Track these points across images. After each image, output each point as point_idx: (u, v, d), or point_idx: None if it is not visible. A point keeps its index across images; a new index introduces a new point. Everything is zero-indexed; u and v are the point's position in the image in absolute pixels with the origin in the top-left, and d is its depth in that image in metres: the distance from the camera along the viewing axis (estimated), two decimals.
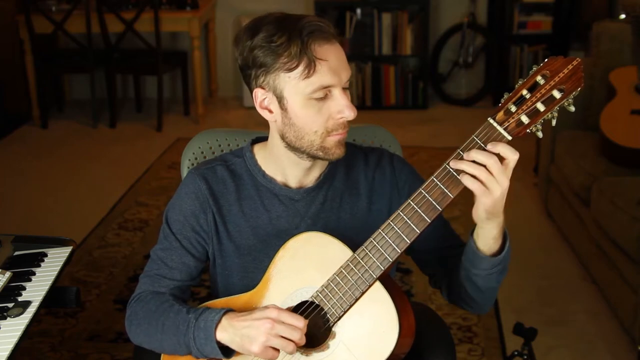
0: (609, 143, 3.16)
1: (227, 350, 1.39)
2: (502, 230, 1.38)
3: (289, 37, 1.36)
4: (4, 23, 5.22)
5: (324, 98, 1.40)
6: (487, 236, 1.37)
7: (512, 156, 1.26)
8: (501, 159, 1.27)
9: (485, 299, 1.49)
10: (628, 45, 3.42)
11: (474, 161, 1.27)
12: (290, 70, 1.37)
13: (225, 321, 1.37)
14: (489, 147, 1.27)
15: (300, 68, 1.37)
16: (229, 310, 1.40)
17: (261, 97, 1.45)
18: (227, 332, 1.37)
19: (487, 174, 1.27)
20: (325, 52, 1.38)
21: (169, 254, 1.53)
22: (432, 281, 1.61)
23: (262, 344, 1.33)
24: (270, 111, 1.45)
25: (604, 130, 3.18)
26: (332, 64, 1.38)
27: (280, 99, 1.42)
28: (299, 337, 1.34)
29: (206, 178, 1.54)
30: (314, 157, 1.47)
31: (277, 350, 1.35)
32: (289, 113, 1.42)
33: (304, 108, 1.40)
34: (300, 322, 1.34)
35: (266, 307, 1.37)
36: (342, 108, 1.40)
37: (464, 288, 1.47)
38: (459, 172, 1.29)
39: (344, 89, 1.41)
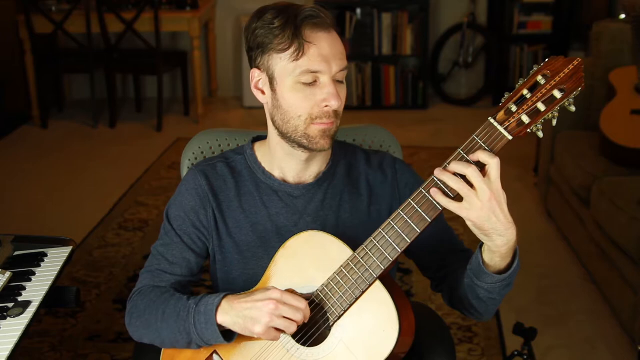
0: (609, 143, 3.16)
1: (227, 335, 1.39)
2: (511, 249, 1.33)
3: (286, 20, 1.40)
4: (4, 23, 5.22)
5: (312, 84, 1.41)
6: (493, 252, 1.33)
7: (491, 161, 1.25)
8: (482, 166, 1.26)
9: (486, 309, 1.47)
10: (628, 45, 3.42)
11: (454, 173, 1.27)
12: (282, 51, 1.40)
13: (225, 304, 1.38)
14: (470, 157, 1.27)
15: (291, 50, 1.39)
16: (229, 294, 1.41)
17: (257, 78, 1.48)
18: (229, 314, 1.37)
19: (464, 185, 1.25)
20: (317, 38, 1.40)
21: (170, 250, 1.54)
22: (434, 285, 1.60)
23: (265, 324, 1.33)
24: (263, 92, 1.48)
25: (604, 130, 3.18)
26: (323, 50, 1.40)
27: (271, 80, 1.44)
28: (301, 317, 1.34)
29: (206, 174, 1.55)
30: (301, 147, 1.47)
31: (279, 331, 1.36)
32: (277, 95, 1.44)
33: (291, 91, 1.42)
34: (302, 304, 1.35)
35: (267, 289, 1.37)
36: (327, 96, 1.41)
37: (465, 295, 1.46)
38: (444, 183, 1.28)
39: (337, 81, 1.42)
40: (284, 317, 1.34)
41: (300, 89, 1.41)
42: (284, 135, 1.47)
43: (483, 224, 1.27)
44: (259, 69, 1.46)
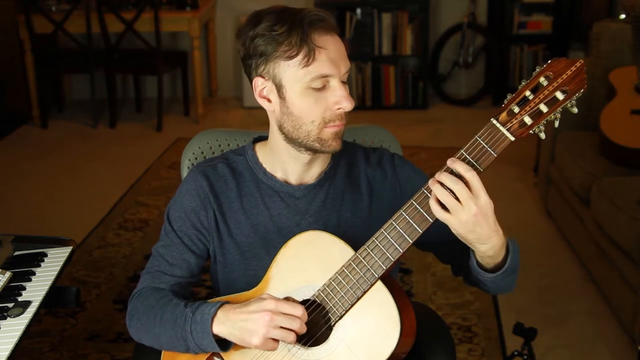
0: (609, 143, 3.16)
1: (224, 343, 1.39)
2: (498, 251, 1.35)
3: (290, 26, 1.38)
4: (4, 23, 5.22)
5: (322, 88, 1.41)
6: (480, 256, 1.37)
7: (467, 175, 1.26)
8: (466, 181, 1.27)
9: (502, 290, 1.48)
10: (628, 45, 3.42)
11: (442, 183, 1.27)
12: (290, 58, 1.39)
13: (221, 314, 1.37)
14: (449, 163, 1.27)
15: (300, 56, 1.38)
16: (225, 303, 1.40)
17: (260, 86, 1.46)
18: (225, 325, 1.37)
19: (451, 199, 1.26)
20: (325, 42, 1.39)
21: (170, 251, 1.53)
22: (454, 271, 1.62)
23: (262, 336, 1.33)
24: (269, 100, 1.46)
25: (604, 130, 3.18)
26: (332, 54, 1.39)
27: (279, 88, 1.43)
28: (299, 326, 1.34)
29: (207, 175, 1.55)
30: (311, 150, 1.47)
31: (277, 340, 1.35)
32: (287, 102, 1.43)
33: (302, 97, 1.41)
34: (299, 311, 1.34)
35: (262, 299, 1.36)
36: (339, 99, 1.41)
37: (479, 281, 1.47)
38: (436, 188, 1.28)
39: (342, 82, 1.42)
40: (281, 327, 1.33)
41: (310, 94, 1.40)
42: (292, 140, 1.46)
43: (466, 235, 1.30)
44: (263, 77, 1.44)
